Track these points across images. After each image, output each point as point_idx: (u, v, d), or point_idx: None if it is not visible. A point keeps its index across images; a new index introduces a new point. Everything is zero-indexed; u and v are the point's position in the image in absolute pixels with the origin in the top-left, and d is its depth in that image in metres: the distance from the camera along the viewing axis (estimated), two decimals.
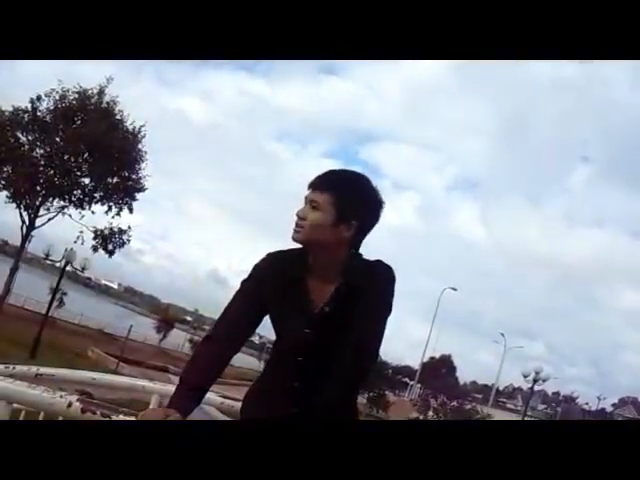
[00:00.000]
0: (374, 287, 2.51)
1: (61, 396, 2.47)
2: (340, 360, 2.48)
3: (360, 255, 2.59)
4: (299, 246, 2.54)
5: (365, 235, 2.57)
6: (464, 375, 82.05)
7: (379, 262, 2.59)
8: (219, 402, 3.75)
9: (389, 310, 2.56)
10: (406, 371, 66.62)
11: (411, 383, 62.72)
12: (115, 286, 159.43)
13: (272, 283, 2.56)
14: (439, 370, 67.94)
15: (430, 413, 47.96)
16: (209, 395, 2.91)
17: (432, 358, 70.92)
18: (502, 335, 69.35)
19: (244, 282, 2.62)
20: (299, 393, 2.59)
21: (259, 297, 2.57)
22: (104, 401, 2.56)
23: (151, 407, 3.86)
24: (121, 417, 2.34)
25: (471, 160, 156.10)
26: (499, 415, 50.63)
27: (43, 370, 4.37)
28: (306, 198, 2.51)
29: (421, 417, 46.81)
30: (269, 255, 2.63)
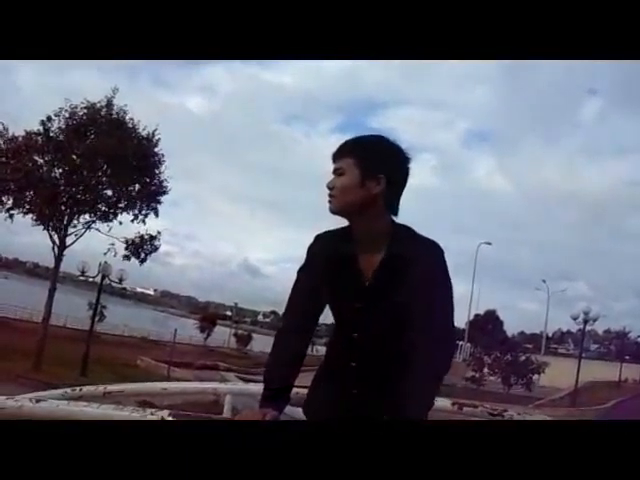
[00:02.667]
0: (425, 260, 2.47)
1: (152, 413, 2.37)
2: (415, 347, 2.44)
3: (405, 227, 2.59)
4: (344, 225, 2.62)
5: (397, 192, 2.60)
6: (511, 327, 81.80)
7: (424, 237, 2.57)
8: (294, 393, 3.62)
9: (449, 288, 2.55)
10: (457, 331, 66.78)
11: (461, 343, 62.69)
12: (152, 292, 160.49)
13: (325, 262, 2.60)
14: (486, 326, 67.71)
15: (485, 370, 47.98)
16: None
17: (477, 315, 70.77)
18: (543, 282, 69.14)
19: (300, 271, 2.71)
20: (357, 372, 2.59)
21: (317, 281, 2.62)
22: (167, 408, 2.49)
23: (226, 407, 3.96)
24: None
25: (480, 111, 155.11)
26: (553, 362, 50.49)
27: (110, 388, 4.29)
28: (333, 172, 2.58)
29: (477, 375, 46.83)
30: (317, 237, 2.69)
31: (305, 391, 2.88)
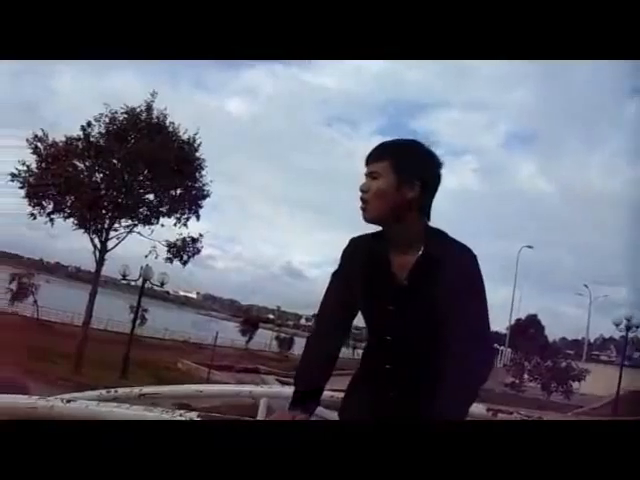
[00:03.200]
0: (460, 262, 2.46)
1: (180, 415, 2.37)
2: (451, 353, 2.38)
3: (439, 230, 2.56)
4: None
5: (431, 197, 2.57)
6: (553, 332, 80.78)
7: (458, 241, 2.54)
8: (329, 396, 3.61)
9: (483, 292, 2.50)
10: (495, 337, 66.32)
11: (501, 348, 62.24)
12: (194, 296, 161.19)
13: (358, 265, 2.59)
14: (527, 331, 67.00)
15: (525, 376, 47.63)
16: None
17: (519, 320, 70.00)
18: (585, 286, 68.36)
19: (334, 275, 2.71)
20: (392, 375, 2.56)
21: (350, 284, 2.62)
22: (205, 410, 2.48)
23: (260, 409, 3.95)
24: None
25: (521, 112, 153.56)
26: (595, 369, 49.87)
27: (146, 390, 4.30)
28: (365, 175, 2.55)
29: (516, 381, 46.53)
30: (351, 240, 2.68)
31: (340, 394, 2.86)
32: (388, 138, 2.58)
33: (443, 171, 2.56)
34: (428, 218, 2.57)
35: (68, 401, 2.53)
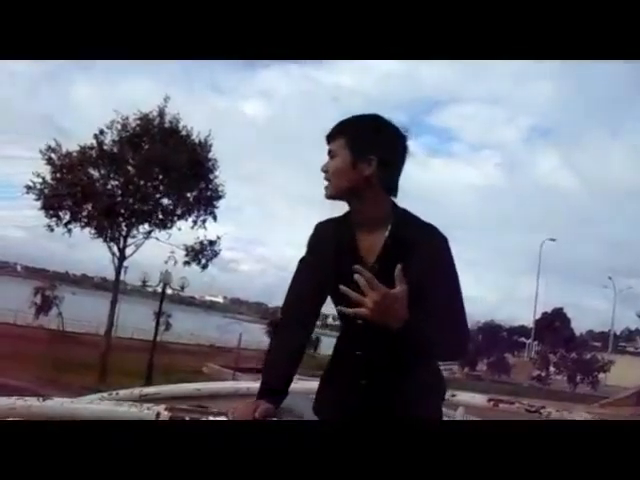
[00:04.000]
0: (431, 243, 2.41)
1: (148, 408, 2.41)
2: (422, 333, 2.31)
3: (406, 210, 2.51)
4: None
5: (393, 173, 2.50)
6: (579, 325, 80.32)
7: (426, 222, 2.48)
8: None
9: (455, 273, 2.45)
10: (521, 331, 66.20)
11: (528, 342, 62.03)
12: (220, 300, 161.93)
13: (326, 250, 2.53)
14: (553, 324, 66.75)
15: (551, 369, 47.50)
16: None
17: (545, 313, 69.74)
18: (609, 278, 68.02)
19: (301, 261, 2.63)
20: (363, 361, 2.50)
21: (318, 270, 2.55)
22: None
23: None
24: (210, 418, 2.33)
25: (542, 107, 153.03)
26: (621, 360, 49.72)
27: (146, 390, 4.30)
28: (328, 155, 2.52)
29: (542, 374, 46.42)
30: (317, 225, 2.62)
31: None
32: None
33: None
34: (394, 195, 2.51)
35: (44, 400, 2.54)
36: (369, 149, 2.42)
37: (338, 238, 2.51)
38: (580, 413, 3.90)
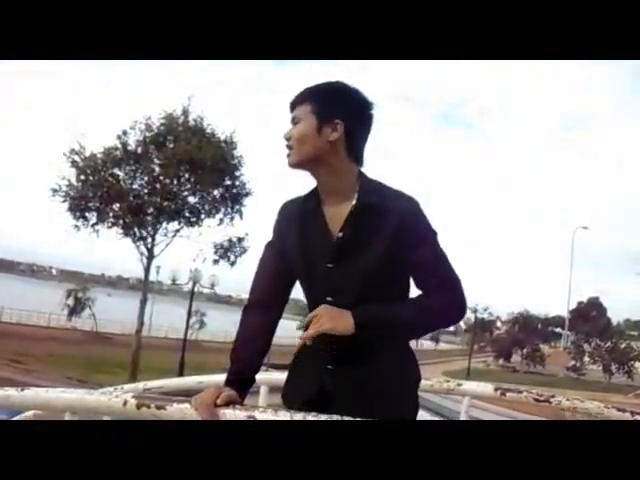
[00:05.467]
0: (400, 208, 2.32)
1: (117, 396, 2.40)
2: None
3: (373, 179, 2.43)
4: None
5: (359, 140, 2.44)
6: (616, 314, 79.70)
7: (395, 189, 2.41)
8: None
9: (433, 232, 2.39)
10: (556, 321, 65.85)
11: (563, 332, 61.70)
12: None
13: (290, 228, 2.46)
14: (589, 314, 66.33)
15: (586, 358, 47.21)
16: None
17: (580, 303, 69.32)
18: None
19: (268, 244, 2.55)
20: (331, 346, 2.37)
21: (284, 250, 2.47)
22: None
23: (261, 397, 4.00)
24: (175, 406, 2.23)
25: (568, 95, 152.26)
26: None
27: (150, 384, 4.29)
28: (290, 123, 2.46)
29: (577, 364, 46.18)
30: (283, 204, 2.56)
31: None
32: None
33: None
34: (360, 164, 2.43)
35: (22, 390, 2.55)
36: (335, 113, 2.35)
37: (304, 213, 2.43)
38: (592, 402, 3.82)
